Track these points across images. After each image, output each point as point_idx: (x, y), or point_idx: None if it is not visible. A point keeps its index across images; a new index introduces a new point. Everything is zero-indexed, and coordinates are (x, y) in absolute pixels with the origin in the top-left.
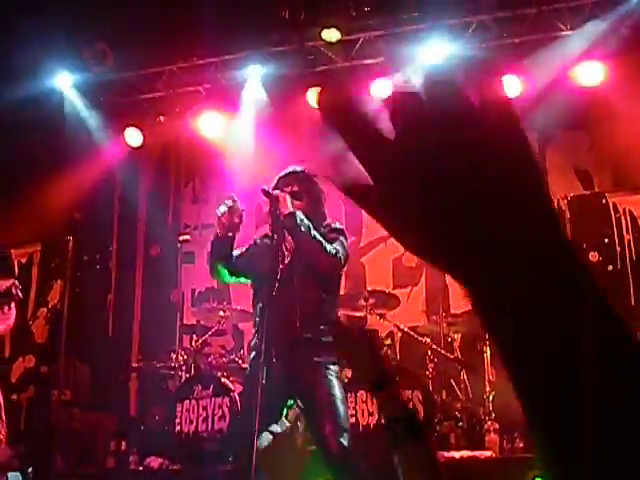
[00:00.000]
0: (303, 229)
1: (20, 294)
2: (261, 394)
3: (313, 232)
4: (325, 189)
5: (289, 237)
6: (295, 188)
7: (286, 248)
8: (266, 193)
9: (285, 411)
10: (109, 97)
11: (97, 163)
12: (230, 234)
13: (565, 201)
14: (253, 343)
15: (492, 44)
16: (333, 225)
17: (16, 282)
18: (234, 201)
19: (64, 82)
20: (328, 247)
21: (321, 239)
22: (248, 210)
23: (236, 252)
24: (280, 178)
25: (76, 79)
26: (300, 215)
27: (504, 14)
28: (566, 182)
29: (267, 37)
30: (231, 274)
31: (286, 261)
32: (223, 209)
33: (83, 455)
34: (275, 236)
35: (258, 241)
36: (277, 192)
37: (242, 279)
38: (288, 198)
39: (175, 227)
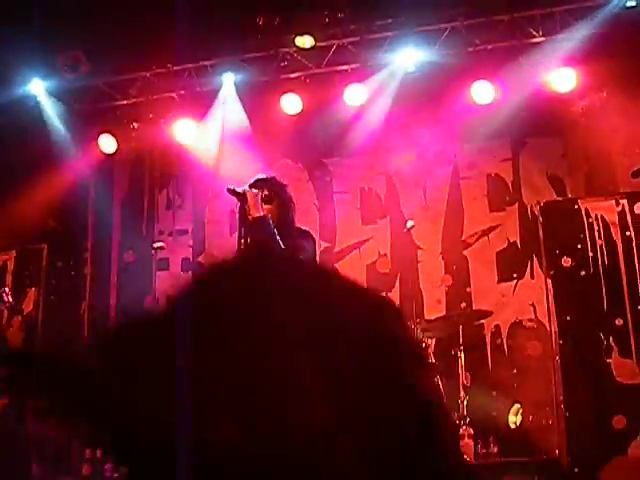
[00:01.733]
0: (268, 235)
1: (11, 299)
2: None
3: (277, 239)
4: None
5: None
6: (265, 192)
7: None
8: (232, 192)
9: None
10: (83, 104)
11: (71, 170)
12: None
13: (538, 207)
14: None
15: (465, 50)
16: (301, 229)
17: (6, 289)
18: None
19: (38, 89)
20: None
21: (283, 248)
22: (222, 216)
23: None
24: (250, 184)
25: (50, 86)
26: (268, 220)
27: (477, 21)
28: (539, 188)
29: (241, 44)
30: None
31: None
32: None
33: (59, 463)
34: (242, 239)
35: None
36: (244, 189)
37: None
38: (258, 197)
39: (149, 234)
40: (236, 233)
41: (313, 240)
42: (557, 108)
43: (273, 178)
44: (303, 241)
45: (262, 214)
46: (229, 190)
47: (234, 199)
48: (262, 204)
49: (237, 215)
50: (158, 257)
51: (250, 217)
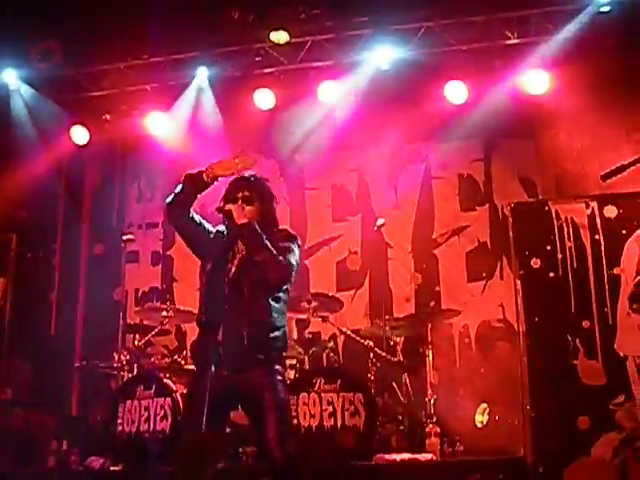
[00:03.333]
0: (257, 240)
1: None
2: (208, 395)
3: (266, 242)
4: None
5: (241, 246)
6: (246, 193)
7: (238, 251)
8: (219, 210)
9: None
10: (56, 94)
11: (43, 160)
12: (210, 182)
13: (509, 208)
14: (199, 342)
15: (440, 50)
16: (286, 232)
17: None
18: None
19: (10, 78)
20: (279, 258)
21: (273, 250)
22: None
23: (207, 225)
24: (231, 183)
25: (23, 75)
26: (255, 226)
27: (452, 21)
28: (510, 189)
29: (216, 38)
30: (180, 221)
31: (234, 264)
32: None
33: (23, 454)
34: (229, 239)
35: (220, 229)
36: (229, 206)
37: (188, 239)
38: (240, 206)
39: (120, 226)
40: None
41: (299, 245)
42: (530, 110)
43: (253, 176)
44: (291, 244)
45: (246, 221)
46: (218, 209)
47: (221, 216)
48: (244, 207)
49: (225, 228)
50: (128, 250)
51: (236, 226)
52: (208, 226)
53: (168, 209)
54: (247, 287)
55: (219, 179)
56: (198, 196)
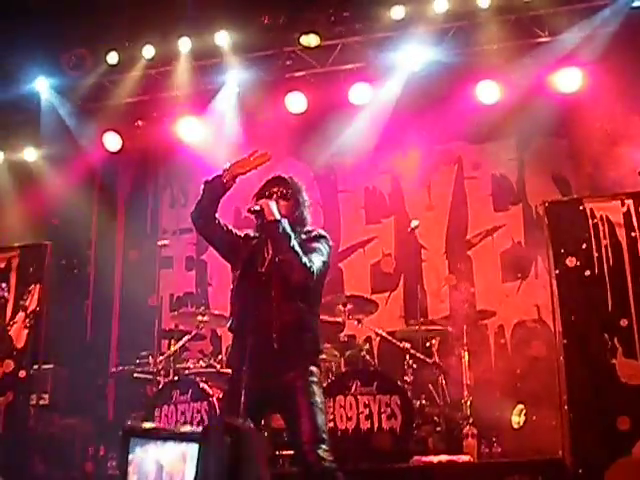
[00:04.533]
0: (284, 238)
1: (6, 295)
2: (244, 399)
3: (293, 242)
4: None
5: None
6: (282, 189)
7: (267, 252)
8: (250, 211)
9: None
10: (87, 102)
11: (76, 168)
12: (226, 182)
13: (543, 207)
14: (232, 347)
15: (470, 50)
16: (316, 232)
17: (2, 284)
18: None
19: (42, 86)
20: (304, 259)
21: (299, 250)
22: (226, 214)
23: (235, 230)
24: (268, 181)
25: (54, 83)
26: (285, 224)
27: (483, 20)
28: (544, 188)
29: (246, 42)
30: (207, 229)
31: (265, 266)
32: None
33: (62, 460)
34: (259, 240)
35: (250, 234)
36: (261, 202)
37: (216, 245)
38: (273, 205)
39: (153, 232)
40: (244, 232)
41: (330, 245)
42: (562, 108)
43: (290, 177)
44: (320, 244)
45: (277, 217)
46: (249, 211)
47: (252, 217)
48: (278, 200)
49: (258, 226)
50: (162, 255)
51: (266, 221)
52: (236, 231)
53: (193, 219)
54: (276, 289)
55: (237, 179)
56: (220, 200)
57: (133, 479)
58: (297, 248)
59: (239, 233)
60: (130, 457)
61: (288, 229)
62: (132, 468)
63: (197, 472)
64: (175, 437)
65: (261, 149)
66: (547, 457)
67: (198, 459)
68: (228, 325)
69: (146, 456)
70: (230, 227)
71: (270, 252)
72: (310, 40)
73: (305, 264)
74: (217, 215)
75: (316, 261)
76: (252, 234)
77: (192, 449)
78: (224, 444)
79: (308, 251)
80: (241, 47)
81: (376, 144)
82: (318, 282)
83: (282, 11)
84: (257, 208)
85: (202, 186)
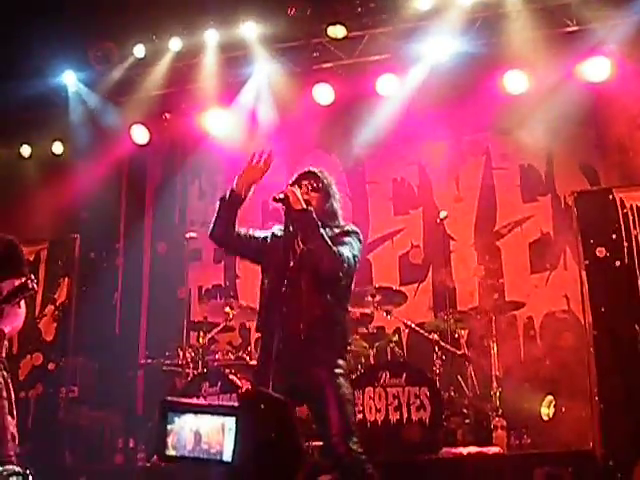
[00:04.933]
0: (311, 227)
1: (36, 287)
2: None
3: (321, 231)
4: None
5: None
6: (313, 182)
7: (298, 245)
8: (276, 199)
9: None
10: (114, 95)
11: (104, 161)
12: (243, 195)
13: (572, 197)
14: (261, 340)
15: (497, 40)
16: (347, 227)
17: (32, 276)
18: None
19: (70, 80)
20: (333, 248)
21: (327, 239)
22: (254, 207)
23: (258, 233)
24: (299, 175)
25: (82, 77)
26: (311, 212)
27: (510, 9)
28: (573, 178)
29: (273, 33)
30: (229, 244)
31: (295, 259)
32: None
33: (91, 452)
34: (288, 233)
35: (277, 232)
36: (285, 190)
37: (242, 255)
38: (298, 193)
39: (182, 224)
40: (270, 224)
41: (360, 240)
42: (590, 97)
43: (321, 171)
44: (350, 239)
45: (304, 207)
46: (274, 199)
47: (280, 205)
48: (309, 192)
49: (284, 216)
50: (190, 248)
51: (293, 211)
52: (260, 234)
53: (214, 238)
54: (305, 282)
55: (252, 187)
56: (238, 213)
57: (171, 449)
58: (325, 236)
59: (264, 235)
60: (169, 428)
61: (315, 217)
62: (170, 438)
63: (236, 443)
64: (213, 411)
65: (259, 149)
66: (577, 449)
67: (237, 431)
68: (255, 326)
69: (184, 427)
70: (251, 233)
71: (300, 245)
72: (337, 31)
73: (335, 253)
74: (235, 227)
75: (346, 252)
76: (279, 232)
77: (230, 421)
78: (261, 415)
79: (339, 244)
80: (268, 39)
81: (404, 135)
82: (348, 276)
83: (308, 2)
84: (281, 196)
85: (217, 203)
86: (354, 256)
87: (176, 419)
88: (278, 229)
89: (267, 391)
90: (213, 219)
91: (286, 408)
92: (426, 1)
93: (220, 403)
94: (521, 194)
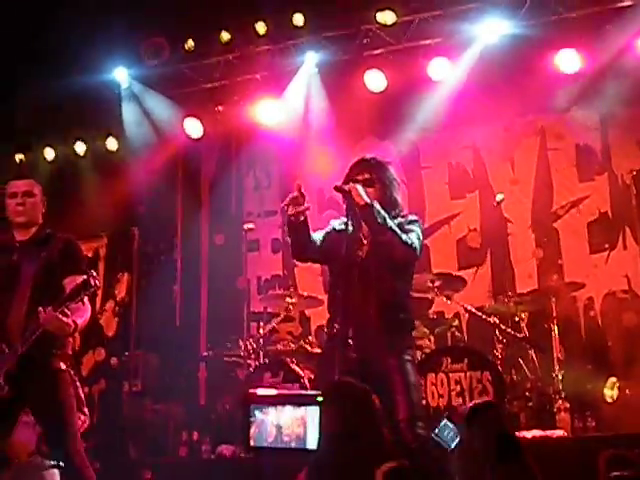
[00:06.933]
0: (379, 220)
1: (98, 283)
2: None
3: (389, 223)
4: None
5: (366, 227)
6: (367, 175)
7: (364, 237)
8: (338, 189)
9: None
10: (167, 89)
11: (159, 155)
12: (301, 219)
13: (630, 176)
14: (329, 329)
15: (549, 19)
16: (409, 217)
17: (93, 272)
18: (298, 192)
19: (122, 76)
20: (404, 237)
21: (397, 229)
22: (310, 195)
23: (318, 236)
24: (352, 167)
25: (134, 73)
26: (377, 206)
27: None
28: (629, 156)
29: (322, 22)
30: (312, 256)
31: (363, 250)
32: (287, 201)
33: (155, 445)
34: (352, 227)
35: (337, 227)
36: (348, 185)
37: (323, 261)
38: (360, 189)
39: (238, 215)
40: (327, 212)
41: (422, 229)
42: None
43: (373, 158)
44: (414, 227)
45: (368, 202)
46: (335, 188)
47: (339, 195)
48: (366, 189)
49: (346, 208)
50: (248, 239)
51: (357, 207)
52: (327, 231)
53: (297, 259)
54: (374, 269)
55: (306, 213)
56: (309, 232)
57: (254, 441)
58: (395, 227)
59: (329, 230)
60: (251, 420)
61: (381, 210)
62: (253, 430)
63: (320, 433)
64: (294, 401)
65: (292, 194)
66: None
67: (320, 421)
68: (326, 321)
69: (266, 419)
70: (322, 235)
71: (366, 236)
72: (386, 17)
73: (406, 242)
74: (311, 238)
75: (414, 239)
76: (338, 226)
77: (312, 412)
78: (346, 405)
79: (405, 232)
80: (318, 27)
81: (457, 119)
82: (412, 263)
83: None
84: (345, 188)
85: (286, 229)
86: (420, 244)
87: (257, 412)
88: (338, 223)
89: (352, 381)
90: (290, 243)
91: (370, 398)
92: None
93: (300, 392)
94: (577, 174)
